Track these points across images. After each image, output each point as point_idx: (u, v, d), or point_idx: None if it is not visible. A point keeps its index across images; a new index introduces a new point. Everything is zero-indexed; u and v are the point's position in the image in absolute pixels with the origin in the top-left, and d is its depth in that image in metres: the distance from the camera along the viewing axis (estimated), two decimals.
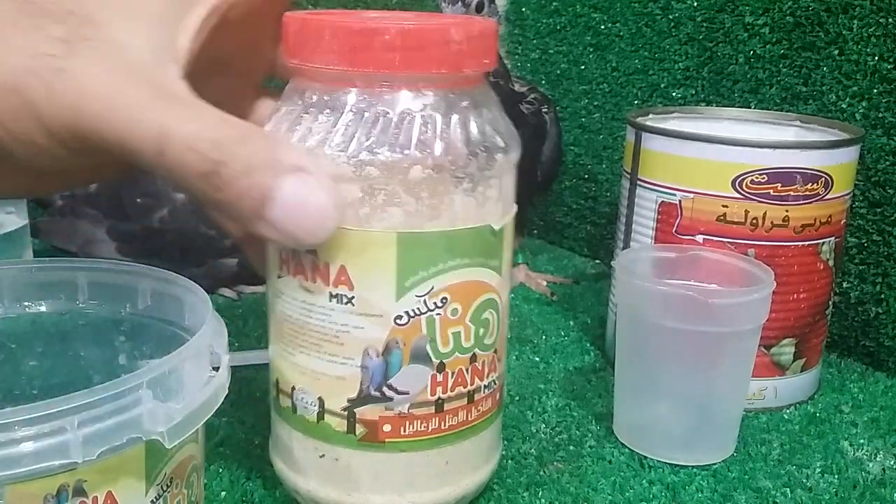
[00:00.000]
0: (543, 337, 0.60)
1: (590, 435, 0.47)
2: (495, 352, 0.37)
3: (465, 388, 0.36)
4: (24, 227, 0.57)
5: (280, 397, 0.37)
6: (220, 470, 0.42)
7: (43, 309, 0.36)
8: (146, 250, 0.63)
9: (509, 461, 0.44)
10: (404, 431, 0.36)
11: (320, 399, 0.35)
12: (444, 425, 0.36)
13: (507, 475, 0.43)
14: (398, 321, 0.34)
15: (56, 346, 0.36)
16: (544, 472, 0.43)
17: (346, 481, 0.36)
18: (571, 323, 0.63)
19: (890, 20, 0.54)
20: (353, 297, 0.34)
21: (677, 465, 0.44)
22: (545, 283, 0.70)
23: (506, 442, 0.46)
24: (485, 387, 0.37)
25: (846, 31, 0.57)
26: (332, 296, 0.34)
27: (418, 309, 0.34)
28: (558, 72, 0.79)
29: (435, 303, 0.34)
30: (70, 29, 0.28)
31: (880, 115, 0.55)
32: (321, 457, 0.36)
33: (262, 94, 0.39)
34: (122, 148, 0.28)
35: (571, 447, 0.46)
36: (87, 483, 0.25)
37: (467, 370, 0.36)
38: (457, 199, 0.34)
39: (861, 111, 0.56)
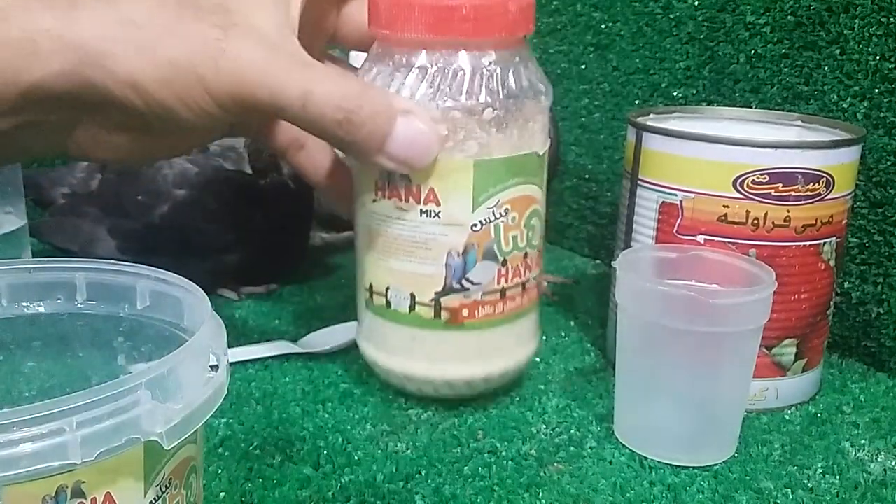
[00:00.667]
0: (543, 337, 0.60)
1: (590, 436, 0.47)
2: (538, 251, 0.47)
3: (520, 278, 0.46)
4: (23, 227, 0.57)
5: (374, 297, 0.47)
6: (220, 471, 0.42)
7: (41, 309, 0.35)
8: (147, 248, 0.63)
9: (509, 462, 0.44)
10: (478, 314, 0.45)
11: (412, 294, 0.45)
12: (506, 309, 0.46)
13: (508, 476, 0.42)
14: (474, 228, 0.44)
15: (54, 346, 0.36)
16: (545, 472, 0.43)
17: (433, 357, 0.46)
18: (572, 323, 0.63)
19: (891, 19, 0.54)
20: (439, 212, 0.43)
21: (678, 466, 0.44)
22: (545, 284, 0.70)
23: (506, 443, 0.46)
24: (532, 278, 0.47)
25: (847, 31, 0.56)
26: (422, 211, 0.43)
27: (488, 218, 0.44)
28: (558, 71, 0.79)
29: (500, 213, 0.44)
30: (221, 18, 0.36)
31: (882, 114, 0.55)
32: (412, 340, 0.46)
33: (324, 58, 0.47)
34: (272, 106, 0.37)
35: (572, 448, 0.45)
36: (85, 484, 0.25)
37: (521, 265, 0.46)
38: (515, 132, 0.43)
39: (862, 111, 0.56)
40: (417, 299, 0.45)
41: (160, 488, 0.27)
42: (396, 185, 0.43)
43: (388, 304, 0.46)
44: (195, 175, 0.64)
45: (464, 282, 0.44)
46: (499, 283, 0.45)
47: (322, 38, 0.46)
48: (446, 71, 0.42)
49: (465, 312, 0.45)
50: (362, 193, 0.46)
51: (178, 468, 0.28)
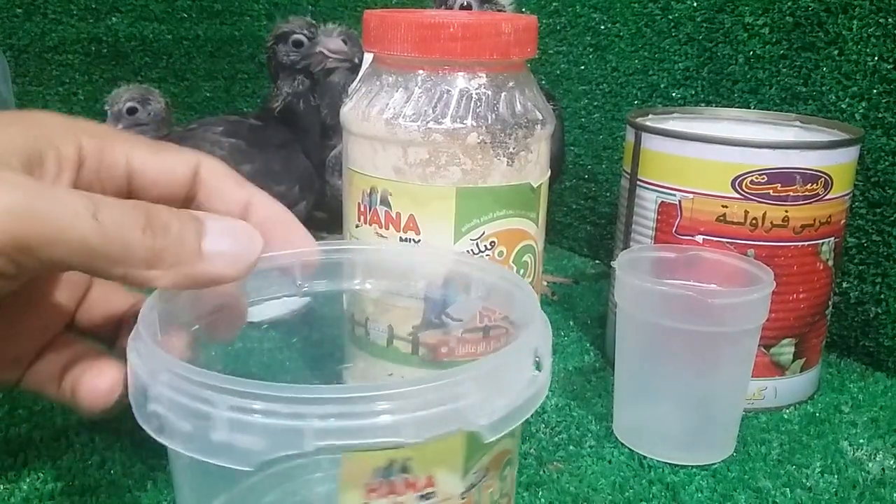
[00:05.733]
0: None
1: (589, 435, 0.47)
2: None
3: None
4: None
5: (355, 328, 0.44)
6: None
7: None
8: None
9: None
10: (458, 352, 0.42)
11: (390, 327, 0.42)
12: (490, 348, 0.42)
13: None
14: None
15: None
16: (544, 471, 0.43)
17: None
18: (571, 323, 0.63)
19: (889, 20, 0.54)
20: (419, 241, 0.41)
21: (677, 465, 0.44)
22: (545, 283, 0.71)
23: None
24: None
25: (846, 32, 0.57)
26: (401, 240, 0.41)
27: (471, 250, 0.41)
28: (558, 72, 0.79)
29: (485, 245, 0.42)
30: None
31: (880, 115, 0.55)
32: (389, 375, 0.43)
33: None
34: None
35: (571, 447, 0.46)
36: (412, 461, 0.27)
37: None
38: (504, 161, 0.41)
39: (861, 111, 0.56)
40: (395, 332, 0.42)
41: (476, 477, 0.28)
42: (377, 209, 0.42)
43: (368, 335, 0.44)
44: (247, 146, 0.67)
45: (443, 317, 0.41)
46: (482, 321, 0.41)
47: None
48: (432, 92, 0.40)
49: (443, 349, 0.42)
50: (348, 218, 0.44)
51: (495, 460, 0.29)
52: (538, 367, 0.29)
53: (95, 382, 0.33)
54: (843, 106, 0.57)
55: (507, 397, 0.27)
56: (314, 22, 0.71)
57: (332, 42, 0.69)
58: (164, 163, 0.34)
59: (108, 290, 0.37)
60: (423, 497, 0.27)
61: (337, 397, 0.24)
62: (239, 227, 0.32)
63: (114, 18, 0.99)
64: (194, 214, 0.31)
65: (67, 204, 0.28)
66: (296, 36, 0.69)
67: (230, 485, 0.31)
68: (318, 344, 0.42)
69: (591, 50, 0.76)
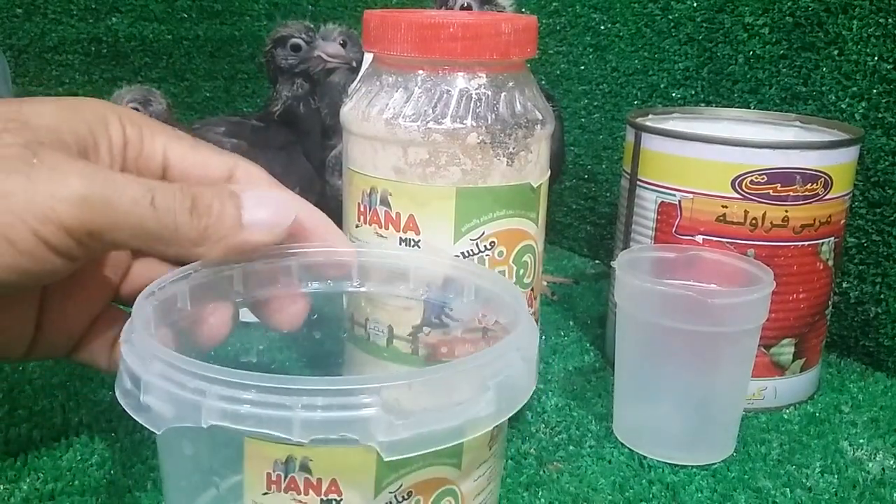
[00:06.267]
0: (543, 337, 0.60)
1: (589, 435, 0.47)
2: (532, 290, 0.44)
3: None
4: None
5: (355, 328, 0.44)
6: None
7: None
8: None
9: (509, 461, 0.44)
10: (458, 352, 0.41)
11: (390, 327, 0.42)
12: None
13: (507, 475, 0.43)
14: None
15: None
16: (544, 471, 0.43)
17: None
18: (571, 323, 0.63)
19: (889, 20, 0.54)
20: (419, 241, 0.41)
21: (677, 465, 0.44)
22: (545, 283, 0.71)
23: (505, 441, 0.46)
24: None
25: (846, 32, 0.57)
26: (401, 240, 0.41)
27: (471, 250, 0.41)
28: (558, 72, 0.79)
29: (485, 245, 0.42)
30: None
31: (880, 115, 0.55)
32: None
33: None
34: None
35: (571, 447, 0.46)
36: (312, 463, 0.26)
37: None
38: (503, 161, 0.41)
39: (860, 111, 0.56)
40: (395, 333, 0.42)
41: (396, 497, 0.27)
42: (377, 209, 0.42)
43: (368, 336, 0.43)
44: (248, 147, 0.64)
45: (443, 317, 0.41)
46: (481, 321, 0.41)
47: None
48: (432, 92, 0.40)
49: (443, 349, 0.42)
50: (348, 218, 0.44)
51: (423, 485, 0.28)
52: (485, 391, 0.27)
53: None
54: (843, 106, 0.57)
55: (422, 419, 0.25)
56: (312, 25, 0.71)
57: (330, 46, 0.69)
58: (201, 160, 0.36)
59: (149, 263, 0.39)
60: (325, 502, 0.27)
61: (240, 382, 0.25)
62: (272, 197, 0.35)
63: (114, 18, 0.99)
64: (231, 190, 0.34)
65: (128, 190, 0.30)
66: (294, 40, 0.69)
67: (211, 485, 0.31)
68: (317, 344, 0.42)
69: (591, 50, 0.76)
